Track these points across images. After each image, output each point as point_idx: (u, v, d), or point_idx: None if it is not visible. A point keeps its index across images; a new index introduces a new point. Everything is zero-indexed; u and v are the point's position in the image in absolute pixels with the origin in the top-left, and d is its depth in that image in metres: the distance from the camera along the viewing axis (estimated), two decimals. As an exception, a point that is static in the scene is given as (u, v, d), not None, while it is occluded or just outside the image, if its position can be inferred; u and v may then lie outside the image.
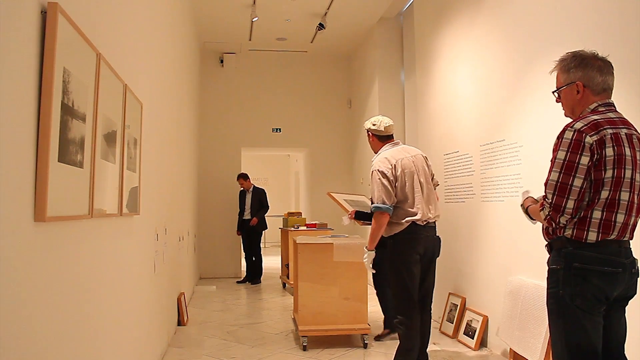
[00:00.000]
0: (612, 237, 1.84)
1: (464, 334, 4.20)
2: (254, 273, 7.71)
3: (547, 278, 1.96)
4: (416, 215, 3.18)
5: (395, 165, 3.24)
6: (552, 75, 3.22)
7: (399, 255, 3.19)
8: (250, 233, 7.63)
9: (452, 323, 4.41)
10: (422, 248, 3.22)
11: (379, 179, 3.22)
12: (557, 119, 3.18)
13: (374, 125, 3.45)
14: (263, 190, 7.83)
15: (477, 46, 4.31)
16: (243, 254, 8.01)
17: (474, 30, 4.37)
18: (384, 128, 3.42)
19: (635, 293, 1.94)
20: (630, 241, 1.94)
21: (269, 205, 7.77)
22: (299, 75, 8.77)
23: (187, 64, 5.92)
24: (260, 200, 7.65)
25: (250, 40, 7.87)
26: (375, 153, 3.45)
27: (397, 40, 7.21)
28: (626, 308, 1.98)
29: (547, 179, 1.90)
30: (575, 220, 1.87)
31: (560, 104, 2.09)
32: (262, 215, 7.61)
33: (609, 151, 1.82)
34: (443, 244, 3.36)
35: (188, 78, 6.08)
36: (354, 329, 4.14)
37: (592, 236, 1.84)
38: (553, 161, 1.89)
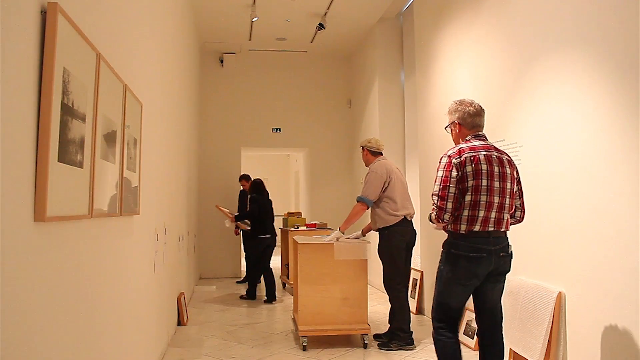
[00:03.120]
0: (477, 228, 2.61)
1: (463, 334, 4.20)
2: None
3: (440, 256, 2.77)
4: (407, 210, 4.19)
5: (388, 170, 4.22)
6: (552, 75, 3.29)
7: (393, 241, 4.13)
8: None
9: (452, 323, 4.41)
10: (409, 237, 4.20)
11: (374, 179, 4.19)
12: (556, 119, 3.19)
13: (369, 142, 4.44)
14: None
15: (477, 46, 4.30)
16: (243, 253, 8.00)
17: (474, 30, 4.37)
18: (377, 145, 4.42)
19: (509, 270, 2.73)
20: (508, 232, 2.71)
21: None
22: (299, 75, 8.77)
23: (187, 64, 5.92)
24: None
25: (250, 40, 7.87)
26: (367, 165, 4.45)
27: (397, 40, 7.21)
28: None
29: (433, 191, 2.68)
30: (453, 218, 2.66)
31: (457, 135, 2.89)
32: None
33: (468, 168, 2.63)
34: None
35: (188, 78, 6.08)
36: (354, 329, 4.14)
37: (463, 228, 2.63)
38: (436, 178, 2.68)
